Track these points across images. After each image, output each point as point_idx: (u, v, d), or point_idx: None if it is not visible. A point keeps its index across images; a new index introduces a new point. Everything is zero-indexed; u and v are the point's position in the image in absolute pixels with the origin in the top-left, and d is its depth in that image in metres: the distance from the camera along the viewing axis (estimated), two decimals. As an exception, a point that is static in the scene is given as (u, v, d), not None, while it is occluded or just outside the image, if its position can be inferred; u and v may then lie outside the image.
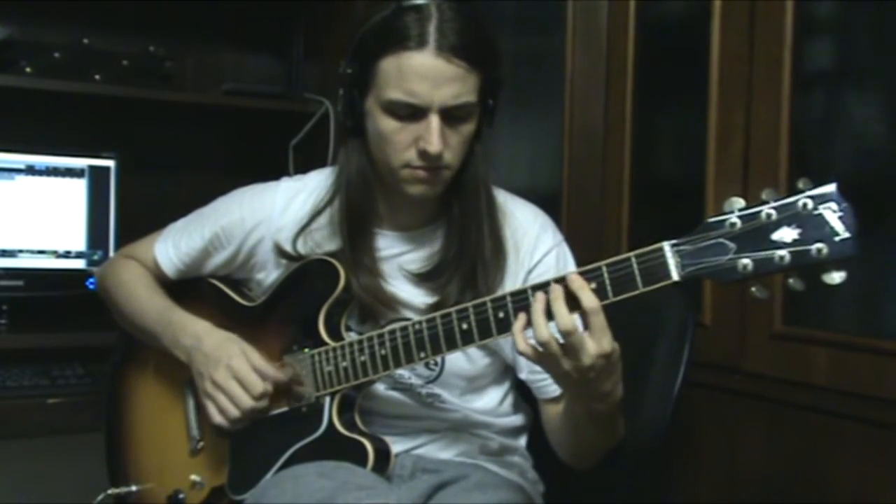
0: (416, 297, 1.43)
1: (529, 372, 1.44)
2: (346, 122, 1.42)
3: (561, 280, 1.18)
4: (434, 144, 1.31)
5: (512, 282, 1.42)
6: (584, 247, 1.54)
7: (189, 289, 1.58)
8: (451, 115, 1.32)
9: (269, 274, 1.51)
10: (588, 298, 1.16)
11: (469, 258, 1.41)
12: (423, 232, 1.46)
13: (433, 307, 1.40)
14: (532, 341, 1.19)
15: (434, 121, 1.31)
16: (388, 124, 1.34)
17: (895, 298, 1.55)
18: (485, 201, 1.43)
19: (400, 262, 1.45)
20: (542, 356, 1.19)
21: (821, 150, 1.67)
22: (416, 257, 1.45)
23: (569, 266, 1.46)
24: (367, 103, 1.37)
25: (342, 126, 1.44)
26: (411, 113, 1.32)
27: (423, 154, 1.33)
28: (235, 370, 1.40)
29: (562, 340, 1.16)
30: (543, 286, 1.21)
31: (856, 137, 1.63)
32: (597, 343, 1.16)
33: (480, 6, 1.38)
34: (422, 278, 1.44)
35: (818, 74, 1.68)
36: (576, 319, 1.16)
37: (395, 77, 1.31)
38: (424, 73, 1.29)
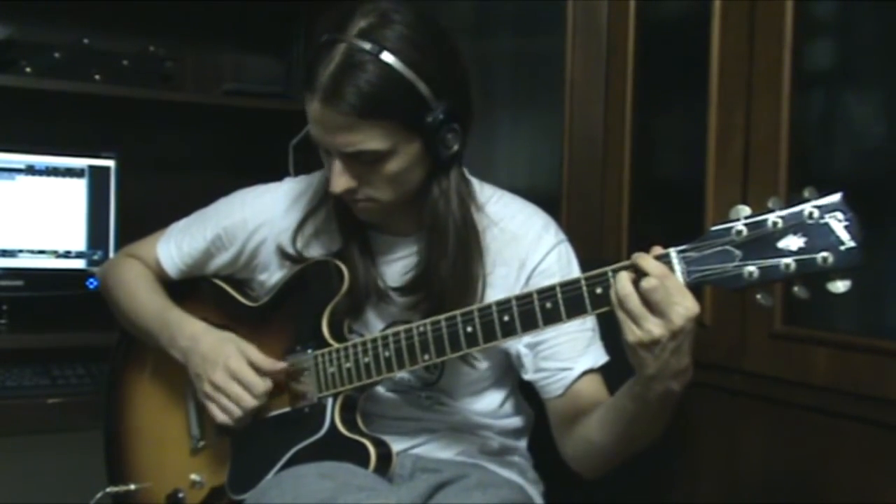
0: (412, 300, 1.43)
1: (535, 371, 1.43)
2: None
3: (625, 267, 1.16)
4: (332, 186, 1.32)
5: (510, 280, 1.42)
6: (584, 247, 1.54)
7: (192, 288, 1.59)
8: (358, 159, 1.30)
9: (272, 275, 1.51)
10: (653, 265, 1.14)
11: (435, 287, 1.38)
12: (416, 237, 1.45)
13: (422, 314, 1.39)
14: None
15: (335, 164, 1.31)
16: (320, 153, 1.35)
17: (895, 298, 1.55)
18: (454, 232, 1.38)
19: (396, 266, 1.45)
20: (631, 316, 1.15)
21: (821, 150, 1.67)
22: (410, 262, 1.45)
23: (572, 264, 1.46)
24: None
25: None
26: (325, 149, 1.32)
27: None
28: (234, 370, 1.40)
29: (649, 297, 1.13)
30: (548, 290, 1.21)
31: (856, 137, 1.63)
32: (681, 302, 1.12)
33: (445, 39, 1.34)
34: (402, 293, 1.43)
35: (818, 74, 1.68)
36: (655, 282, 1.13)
37: (308, 114, 1.31)
38: (315, 119, 1.29)
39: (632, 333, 1.15)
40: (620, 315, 1.16)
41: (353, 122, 1.26)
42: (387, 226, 1.46)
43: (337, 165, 1.31)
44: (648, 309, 1.13)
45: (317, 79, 1.26)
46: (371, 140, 1.28)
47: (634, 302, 1.14)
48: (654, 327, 1.13)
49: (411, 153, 1.32)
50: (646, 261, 1.15)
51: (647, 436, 1.32)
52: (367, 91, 1.25)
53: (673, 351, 1.15)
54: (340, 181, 1.31)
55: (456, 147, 1.34)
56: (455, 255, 1.38)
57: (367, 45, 1.26)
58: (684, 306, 1.13)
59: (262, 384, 1.40)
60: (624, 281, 1.15)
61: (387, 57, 1.26)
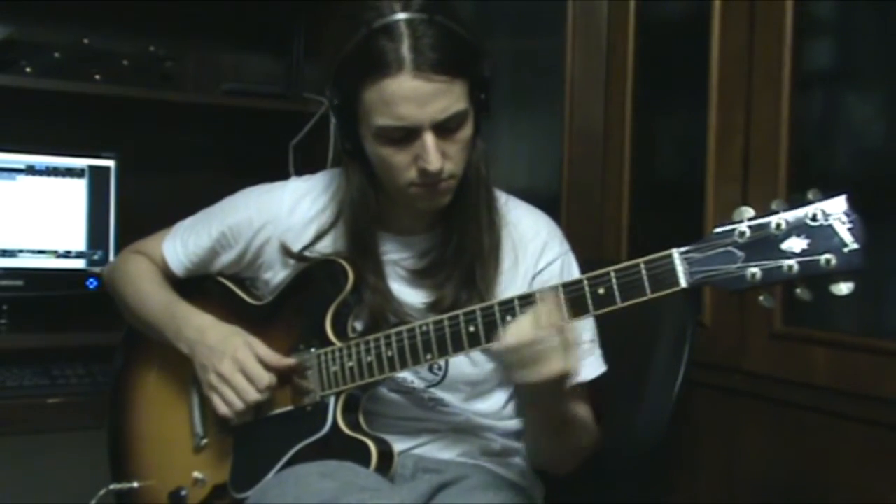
0: (417, 297, 1.44)
1: None
2: (345, 146, 1.40)
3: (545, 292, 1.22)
4: (433, 163, 1.30)
5: (513, 284, 1.42)
6: (584, 247, 1.54)
7: (197, 287, 1.58)
8: (444, 128, 1.31)
9: (277, 274, 1.51)
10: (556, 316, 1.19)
11: (467, 255, 1.41)
12: (426, 237, 1.45)
13: (430, 307, 1.40)
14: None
15: (428, 139, 1.30)
16: (383, 150, 1.33)
17: (895, 298, 1.56)
18: (484, 199, 1.42)
19: (404, 265, 1.45)
20: (514, 358, 1.20)
21: (821, 150, 1.68)
22: (418, 260, 1.45)
23: (573, 276, 1.45)
24: (361, 129, 1.35)
25: (341, 149, 1.42)
26: (405, 135, 1.30)
27: (424, 172, 1.32)
28: (241, 362, 1.40)
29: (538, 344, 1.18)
30: (550, 290, 1.21)
31: (856, 137, 1.63)
32: (563, 356, 1.17)
33: (456, 6, 1.36)
34: (420, 276, 1.44)
35: (818, 74, 1.68)
36: (551, 329, 1.18)
37: (379, 104, 1.29)
38: (407, 95, 1.27)
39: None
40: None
41: (445, 84, 1.28)
42: (398, 224, 1.46)
43: (431, 141, 1.30)
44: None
45: (395, 59, 1.26)
46: (458, 101, 1.30)
47: (522, 354, 1.18)
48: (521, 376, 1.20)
49: (473, 115, 1.35)
50: (548, 308, 1.19)
51: (556, 440, 1.38)
52: (446, 50, 1.28)
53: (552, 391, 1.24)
54: (437, 156, 1.31)
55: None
56: (485, 223, 1.41)
57: (421, 15, 1.28)
58: (559, 365, 1.17)
59: (267, 378, 1.40)
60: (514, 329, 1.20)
61: (441, 19, 1.29)
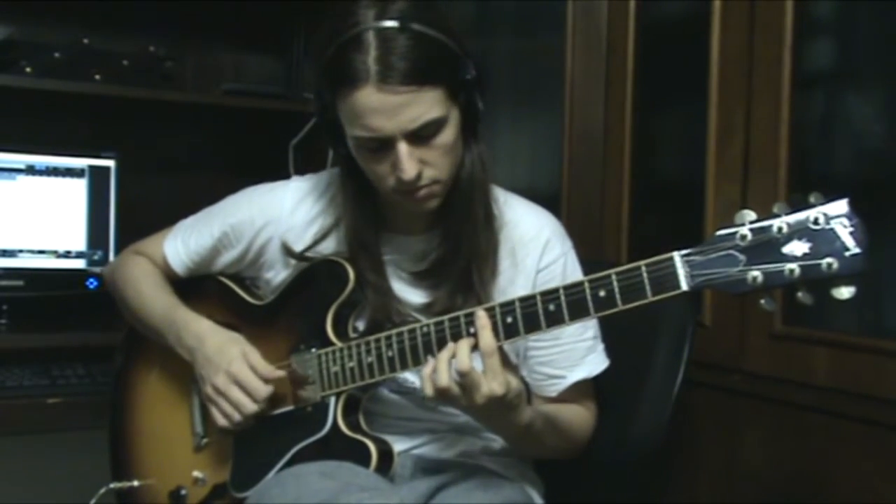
0: (417, 297, 1.44)
1: (529, 372, 1.44)
2: (338, 150, 1.40)
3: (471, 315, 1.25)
4: (406, 172, 1.30)
5: (513, 284, 1.42)
6: (584, 247, 1.54)
7: (198, 286, 1.58)
8: (418, 136, 1.30)
9: (278, 273, 1.51)
10: (485, 339, 1.23)
11: (462, 258, 1.40)
12: (425, 237, 1.45)
13: (425, 308, 1.40)
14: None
15: (402, 148, 1.29)
16: (363, 158, 1.34)
17: (895, 298, 1.56)
18: (479, 200, 1.41)
19: (403, 265, 1.45)
20: (442, 394, 1.24)
21: (821, 150, 1.68)
22: (416, 261, 1.45)
23: (575, 275, 1.45)
24: (345, 136, 1.36)
25: (334, 154, 1.43)
26: (379, 145, 1.30)
27: (400, 181, 1.31)
28: (235, 375, 1.40)
29: (458, 379, 1.22)
30: (551, 293, 1.22)
31: (856, 137, 1.63)
32: (488, 385, 1.21)
33: (439, 7, 1.35)
34: (418, 277, 1.44)
35: (818, 74, 1.68)
36: (472, 360, 1.22)
37: (351, 116, 1.29)
38: (375, 108, 1.27)
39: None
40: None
41: (413, 94, 1.26)
42: (398, 224, 1.46)
43: (404, 150, 1.29)
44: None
45: (361, 71, 1.25)
46: (431, 108, 1.28)
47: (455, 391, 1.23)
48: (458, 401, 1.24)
49: (456, 119, 1.33)
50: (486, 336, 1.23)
51: (524, 444, 1.41)
52: (416, 58, 1.26)
53: (485, 416, 1.31)
54: (411, 165, 1.30)
55: (481, 107, 1.37)
56: (481, 225, 1.40)
57: (392, 23, 1.27)
58: (489, 387, 1.22)
59: (264, 389, 1.40)
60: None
61: (415, 26, 1.27)
